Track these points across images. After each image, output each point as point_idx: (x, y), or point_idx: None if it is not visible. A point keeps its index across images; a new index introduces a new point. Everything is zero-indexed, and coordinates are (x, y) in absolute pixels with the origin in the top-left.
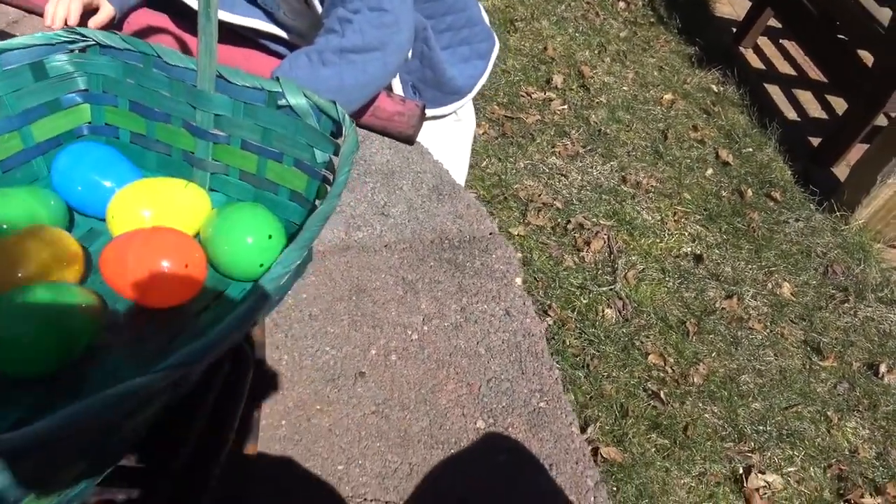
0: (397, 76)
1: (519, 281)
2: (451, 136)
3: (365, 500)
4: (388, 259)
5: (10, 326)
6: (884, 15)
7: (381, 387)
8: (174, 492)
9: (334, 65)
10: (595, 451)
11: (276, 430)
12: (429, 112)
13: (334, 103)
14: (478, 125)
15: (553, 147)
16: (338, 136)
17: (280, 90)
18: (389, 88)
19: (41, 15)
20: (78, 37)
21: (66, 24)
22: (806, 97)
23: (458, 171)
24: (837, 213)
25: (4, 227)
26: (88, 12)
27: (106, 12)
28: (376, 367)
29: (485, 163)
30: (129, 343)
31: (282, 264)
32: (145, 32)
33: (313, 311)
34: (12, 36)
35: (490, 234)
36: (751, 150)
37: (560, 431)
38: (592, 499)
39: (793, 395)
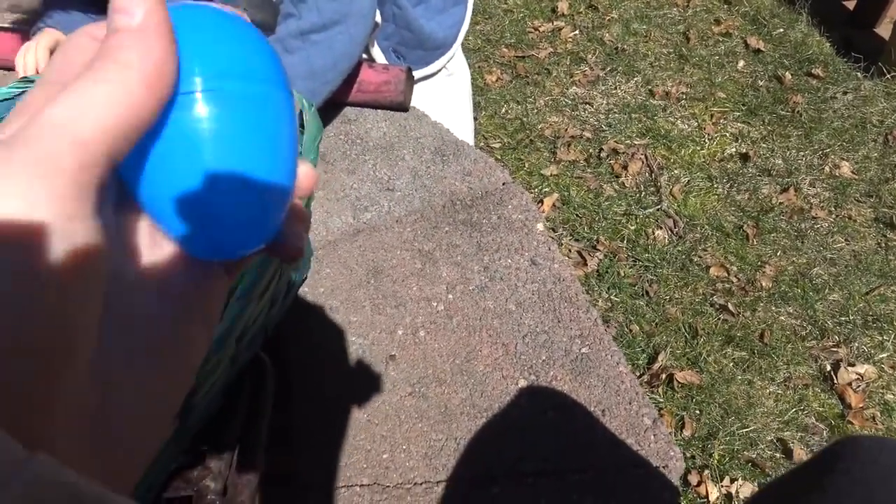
0: (375, 44)
1: (540, 227)
2: (446, 93)
3: (415, 484)
4: (400, 234)
5: None
6: None
7: (414, 366)
8: None
9: (299, 50)
10: (670, 378)
11: (312, 433)
12: (417, 73)
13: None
14: (489, 71)
15: (571, 77)
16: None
17: None
18: (371, 59)
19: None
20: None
21: (37, 72)
22: None
23: (462, 126)
24: (888, 76)
25: None
26: None
27: None
28: (406, 347)
29: (504, 109)
30: None
31: None
32: None
33: (333, 303)
34: None
35: (503, 184)
36: (782, 30)
37: (607, 374)
38: (652, 437)
39: (872, 277)
